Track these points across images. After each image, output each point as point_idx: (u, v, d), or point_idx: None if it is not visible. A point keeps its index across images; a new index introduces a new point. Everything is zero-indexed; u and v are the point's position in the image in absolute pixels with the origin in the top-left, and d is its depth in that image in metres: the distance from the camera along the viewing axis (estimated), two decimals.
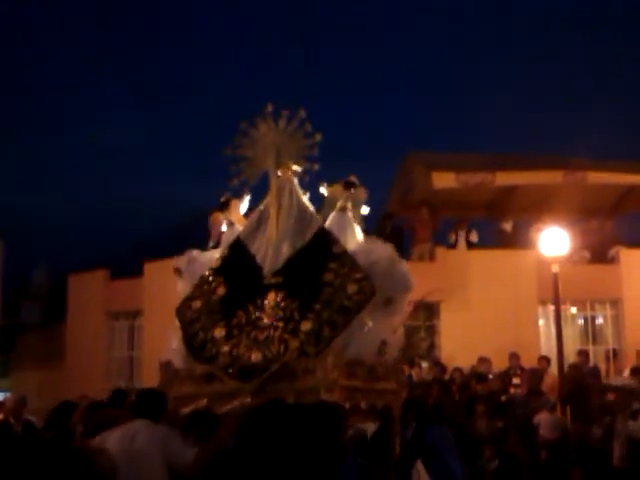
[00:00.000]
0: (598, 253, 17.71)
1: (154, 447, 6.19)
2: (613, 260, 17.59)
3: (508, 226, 18.27)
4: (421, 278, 16.77)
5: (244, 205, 8.89)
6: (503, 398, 12.86)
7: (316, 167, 8.02)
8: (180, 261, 8.35)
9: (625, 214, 19.82)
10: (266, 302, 7.32)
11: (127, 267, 19.22)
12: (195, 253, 8.38)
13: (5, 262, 22.61)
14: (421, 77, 43.94)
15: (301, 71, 44.07)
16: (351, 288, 7.16)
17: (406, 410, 8.07)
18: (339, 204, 8.24)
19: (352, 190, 8.41)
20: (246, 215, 8.70)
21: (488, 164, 17.98)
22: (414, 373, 14.75)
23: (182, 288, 8.16)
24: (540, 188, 17.93)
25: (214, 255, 8.27)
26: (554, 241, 14.66)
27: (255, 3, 44.43)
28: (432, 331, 17.21)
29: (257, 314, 7.26)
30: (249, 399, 6.60)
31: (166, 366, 7.47)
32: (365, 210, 8.78)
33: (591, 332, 17.53)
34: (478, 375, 13.81)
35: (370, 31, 46.74)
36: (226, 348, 7.14)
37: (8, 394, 17.90)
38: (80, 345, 18.50)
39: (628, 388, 11.96)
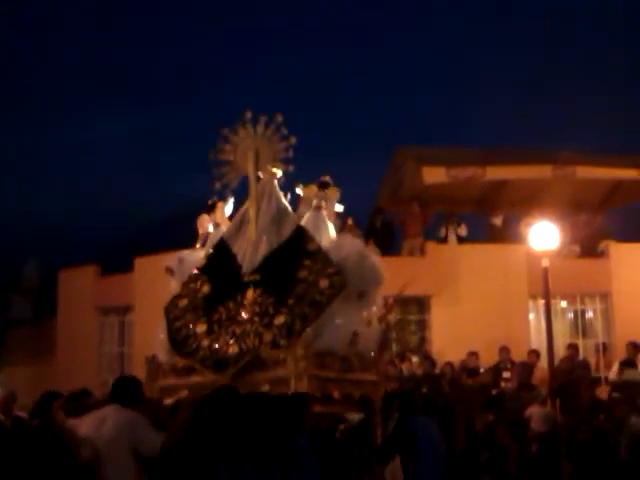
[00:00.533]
0: (588, 247, 17.77)
1: (121, 432, 6.21)
2: (603, 254, 17.65)
3: (498, 221, 18.32)
4: (412, 273, 17.01)
5: (228, 207, 9.37)
6: (494, 392, 12.88)
7: (291, 169, 8.51)
8: (171, 261, 8.79)
9: (614, 208, 19.88)
10: (245, 298, 7.75)
11: (117, 263, 19.20)
12: (185, 253, 8.89)
13: None
14: (411, 72, 43.96)
15: (294, 68, 44.06)
16: (323, 283, 7.56)
17: (388, 401, 8.20)
18: (314, 203, 8.73)
19: (326, 190, 8.91)
20: (230, 217, 9.17)
21: (478, 158, 17.99)
22: (404, 367, 14.80)
23: (174, 287, 8.58)
24: (530, 183, 17.96)
25: (202, 255, 8.69)
26: (544, 235, 14.67)
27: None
28: (422, 325, 17.24)
29: (236, 310, 7.69)
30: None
31: (151, 360, 7.89)
32: (339, 208, 9.27)
33: (581, 326, 17.60)
34: (469, 369, 13.84)
35: (360, 27, 46.73)
36: (206, 342, 7.57)
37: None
38: (70, 340, 18.46)
39: (633, 382, 11.96)
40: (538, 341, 16.39)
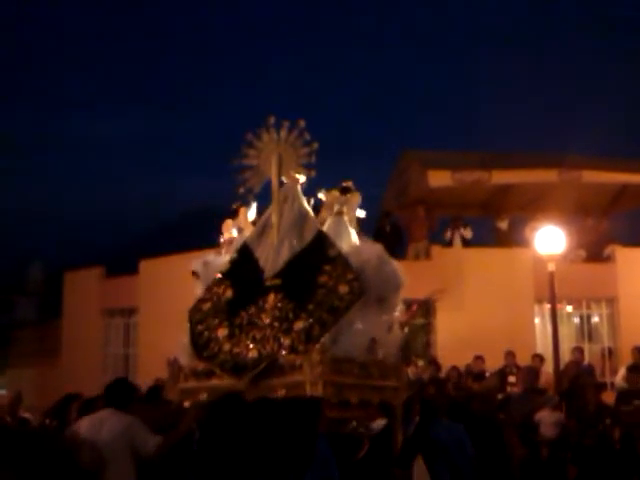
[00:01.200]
0: (594, 252, 17.75)
1: (119, 435, 6.37)
2: (609, 259, 17.62)
3: (504, 224, 18.30)
4: (417, 277, 16.99)
5: (252, 212, 9.46)
6: (500, 396, 12.85)
7: (313, 174, 8.51)
8: (197, 264, 8.86)
9: (620, 212, 19.85)
10: (266, 303, 7.78)
11: (123, 264, 19.24)
12: (211, 257, 8.97)
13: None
14: (417, 76, 44.04)
15: (301, 72, 44.18)
16: (342, 289, 7.57)
17: (409, 406, 8.20)
18: (336, 209, 8.77)
19: (348, 195, 8.94)
20: (254, 222, 9.25)
21: (483, 162, 17.98)
22: (410, 371, 14.76)
23: (199, 290, 8.63)
24: (535, 187, 17.96)
25: (226, 259, 8.75)
26: (550, 239, 14.69)
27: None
28: (428, 329, 17.21)
29: (258, 314, 7.73)
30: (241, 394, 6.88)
31: (172, 362, 7.97)
32: (361, 213, 9.20)
33: (587, 331, 17.56)
34: (474, 374, 13.81)
35: (369, 31, 46.86)
36: (227, 346, 7.62)
37: (3, 391, 17.90)
38: (76, 342, 18.49)
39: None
40: (544, 345, 16.38)
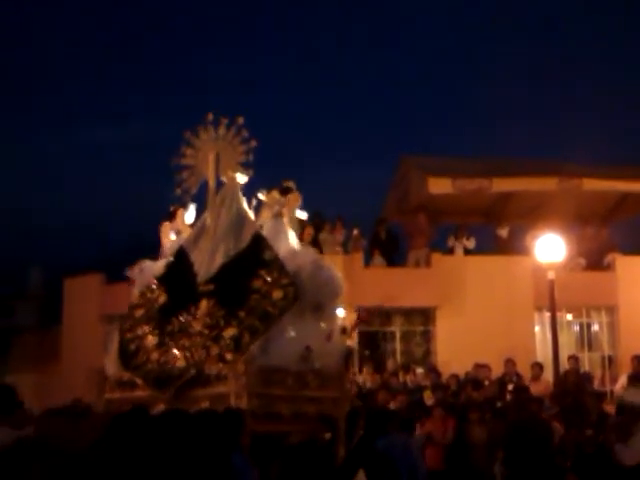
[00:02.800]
0: (594, 260, 17.75)
1: None
2: (609, 267, 17.63)
3: (504, 232, 18.29)
4: (417, 284, 16.97)
5: (190, 214, 9.11)
6: (499, 404, 12.82)
7: (251, 173, 8.21)
8: (132, 271, 8.70)
9: (621, 221, 19.86)
10: (198, 310, 7.49)
11: (122, 271, 19.18)
12: (147, 263, 8.62)
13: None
14: (419, 81, 44.03)
15: (299, 73, 44.14)
16: (276, 294, 7.32)
17: (353, 418, 7.84)
18: (275, 210, 8.45)
19: (288, 196, 8.63)
20: (192, 224, 8.93)
21: (484, 170, 17.98)
22: (409, 379, 14.75)
23: (135, 296, 8.48)
24: (536, 194, 17.96)
25: (162, 264, 8.46)
26: (550, 247, 14.69)
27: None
28: (428, 337, 17.21)
29: (189, 321, 7.45)
30: (162, 406, 6.67)
31: (98, 373, 7.98)
32: (301, 215, 8.94)
33: (586, 339, 17.57)
34: (474, 381, 13.79)
35: (369, 34, 46.85)
36: (155, 355, 7.37)
37: None
38: (75, 348, 18.45)
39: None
40: (543, 353, 16.37)
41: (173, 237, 9.13)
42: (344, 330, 8.06)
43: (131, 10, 45.10)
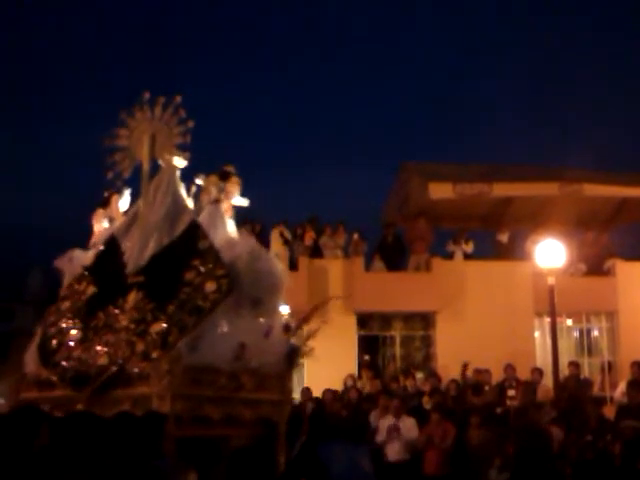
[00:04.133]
0: (594, 265, 17.74)
1: None
2: (609, 272, 17.62)
3: (504, 237, 18.29)
4: (417, 289, 16.93)
5: (124, 200, 8.47)
6: (499, 410, 12.81)
7: (188, 155, 7.64)
8: (61, 261, 7.95)
9: (621, 226, 19.85)
10: (126, 303, 6.92)
11: None
12: (77, 252, 7.96)
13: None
14: (419, 87, 44.09)
15: (300, 77, 44.20)
16: (209, 286, 6.75)
17: (295, 423, 7.36)
18: (213, 195, 7.85)
19: (227, 181, 8.03)
20: (127, 211, 8.29)
21: (484, 175, 17.99)
22: (409, 384, 14.74)
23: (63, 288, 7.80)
24: (536, 200, 17.96)
25: (92, 254, 7.85)
26: (550, 253, 14.67)
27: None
28: (428, 342, 17.21)
29: (116, 315, 6.88)
30: (80, 407, 6.27)
31: (15, 371, 7.34)
32: (243, 202, 8.21)
33: (586, 344, 17.58)
34: (474, 387, 13.79)
35: (370, 40, 46.92)
36: (77, 352, 6.79)
37: (2, 400, 17.78)
38: None
39: None
40: (543, 359, 16.39)
41: (106, 225, 8.47)
42: (287, 327, 7.31)
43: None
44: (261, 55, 47.08)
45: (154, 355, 6.32)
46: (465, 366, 14.73)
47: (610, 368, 16.98)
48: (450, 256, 17.77)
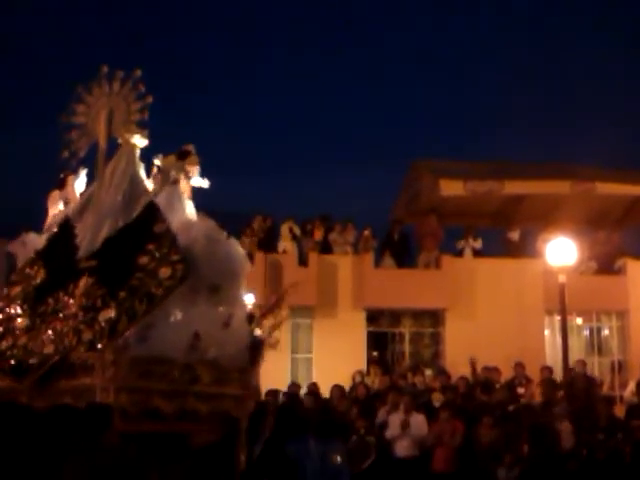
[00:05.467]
0: (605, 264, 17.66)
1: None
2: (620, 271, 17.54)
3: (515, 235, 18.21)
4: (427, 286, 16.88)
5: (81, 181, 8.05)
6: (511, 408, 12.75)
7: (145, 133, 7.25)
8: (14, 245, 7.56)
9: (633, 225, 19.75)
10: (77, 288, 6.54)
11: None
12: (31, 236, 7.58)
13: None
14: (429, 84, 43.95)
15: (310, 76, 44.14)
16: (164, 272, 6.36)
17: (258, 419, 6.95)
18: (171, 176, 7.45)
19: (185, 160, 7.65)
20: (83, 192, 7.87)
21: (496, 172, 17.94)
22: (417, 381, 14.70)
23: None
24: (548, 198, 17.88)
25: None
26: (561, 251, 14.60)
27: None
28: (437, 339, 17.17)
29: (66, 302, 6.52)
30: (23, 399, 5.96)
31: None
32: (203, 183, 7.82)
33: (597, 343, 17.50)
34: (483, 384, 13.74)
35: (378, 37, 46.84)
36: (23, 340, 6.43)
37: None
38: None
39: None
40: (553, 357, 16.32)
41: (62, 207, 8.08)
42: (251, 317, 6.88)
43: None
44: (271, 52, 47.06)
45: (102, 344, 5.95)
46: (473, 362, 14.70)
47: (620, 367, 16.91)
48: (459, 253, 17.70)
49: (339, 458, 7.39)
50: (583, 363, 15.30)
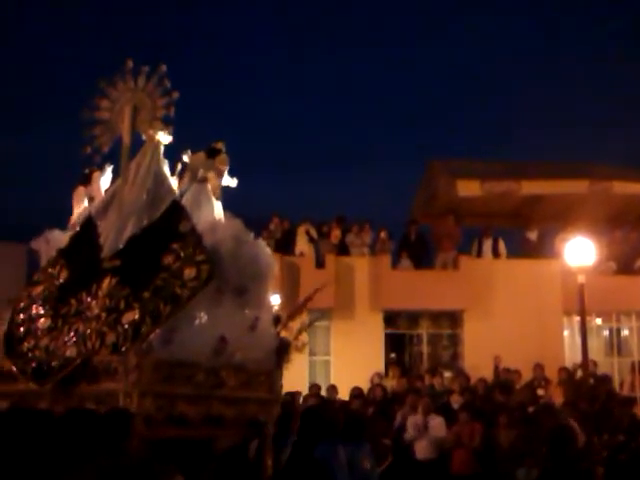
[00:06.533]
0: (624, 264, 17.54)
1: None
2: (639, 271, 17.40)
3: (533, 235, 18.13)
4: (445, 287, 16.81)
5: (106, 177, 7.86)
6: (530, 409, 12.67)
7: (170, 130, 7.09)
8: (37, 243, 7.37)
9: None
10: (100, 289, 6.37)
11: None
12: (55, 233, 7.38)
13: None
14: (447, 83, 43.85)
15: (325, 77, 44.16)
16: (188, 272, 6.18)
17: (284, 423, 6.82)
18: (200, 174, 7.27)
19: (215, 159, 7.45)
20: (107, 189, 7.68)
21: (513, 172, 17.88)
22: (436, 382, 14.67)
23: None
24: (566, 197, 17.79)
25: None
26: (580, 251, 14.50)
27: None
28: (455, 340, 17.11)
29: (88, 303, 6.35)
30: (44, 404, 5.84)
31: None
32: (232, 182, 7.61)
33: (616, 344, 17.38)
34: (502, 386, 13.68)
35: (395, 35, 46.74)
36: (45, 341, 6.25)
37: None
38: None
39: None
40: (572, 358, 16.22)
41: (87, 204, 7.84)
42: (277, 320, 6.75)
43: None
44: (287, 53, 47.10)
45: (126, 347, 5.78)
46: (497, 361, 14.67)
47: None
48: (478, 254, 17.63)
49: (368, 463, 7.32)
50: (594, 363, 15.21)
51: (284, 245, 16.93)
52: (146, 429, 5.56)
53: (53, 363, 5.97)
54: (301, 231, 17.29)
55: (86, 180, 7.96)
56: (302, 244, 17.16)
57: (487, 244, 17.65)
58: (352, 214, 18.54)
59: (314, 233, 17.34)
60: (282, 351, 6.66)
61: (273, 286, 6.91)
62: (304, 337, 6.83)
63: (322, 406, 11.49)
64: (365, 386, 14.43)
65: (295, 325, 6.84)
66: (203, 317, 6.18)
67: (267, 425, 6.45)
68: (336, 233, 17.52)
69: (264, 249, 6.72)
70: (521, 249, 18.33)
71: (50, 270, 6.84)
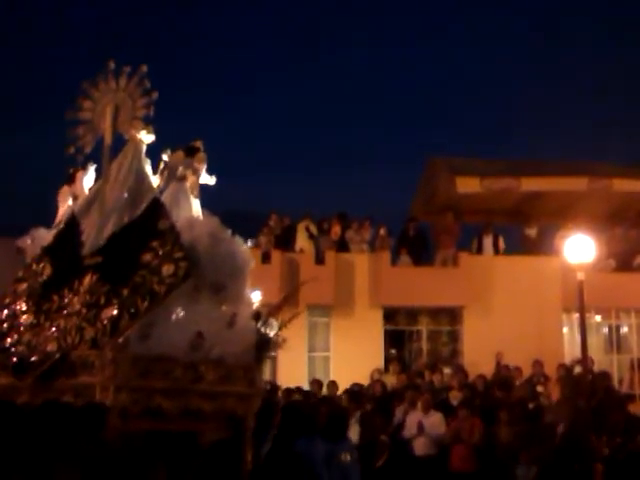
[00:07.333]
0: (623, 261, 17.57)
1: None
2: (639, 268, 17.43)
3: (532, 232, 18.15)
4: (444, 283, 16.88)
5: (89, 177, 8.03)
6: (531, 406, 12.69)
7: (151, 129, 7.24)
8: (23, 241, 7.54)
9: None
10: (82, 285, 6.52)
11: None
12: (40, 232, 7.57)
13: None
14: (446, 81, 43.90)
15: (326, 75, 44.19)
16: (166, 269, 6.32)
17: (265, 417, 6.84)
18: (179, 172, 7.43)
19: (193, 157, 7.59)
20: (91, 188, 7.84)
21: (513, 169, 17.89)
22: (435, 379, 14.69)
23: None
24: (565, 195, 17.81)
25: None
26: (579, 248, 14.51)
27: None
28: (454, 337, 17.14)
29: (71, 299, 6.50)
30: (25, 397, 5.96)
31: None
32: (210, 180, 7.73)
33: (615, 341, 17.40)
34: (501, 382, 13.71)
35: (396, 36, 46.82)
36: (27, 337, 6.41)
37: None
38: None
39: None
40: (571, 355, 16.23)
41: (71, 203, 8.00)
42: (257, 316, 6.81)
43: None
44: (291, 51, 47.13)
45: (104, 342, 5.89)
46: (499, 357, 14.70)
47: (639, 365, 16.81)
48: (478, 251, 17.66)
49: (349, 456, 7.35)
50: (591, 360, 15.22)
51: (284, 241, 16.96)
52: (121, 422, 5.63)
53: (33, 358, 6.06)
54: (301, 227, 17.32)
55: (70, 179, 8.11)
56: (302, 240, 17.20)
57: (487, 241, 17.68)
58: (352, 211, 18.60)
59: (314, 229, 17.37)
60: (262, 346, 6.71)
61: (251, 282, 6.87)
62: (287, 333, 6.82)
63: (302, 401, 11.54)
64: (365, 382, 14.47)
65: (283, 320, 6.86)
66: (180, 313, 6.26)
67: (247, 419, 6.48)
68: (336, 230, 17.55)
69: (241, 246, 6.81)
70: (521, 246, 18.36)
71: (34, 267, 7.01)
